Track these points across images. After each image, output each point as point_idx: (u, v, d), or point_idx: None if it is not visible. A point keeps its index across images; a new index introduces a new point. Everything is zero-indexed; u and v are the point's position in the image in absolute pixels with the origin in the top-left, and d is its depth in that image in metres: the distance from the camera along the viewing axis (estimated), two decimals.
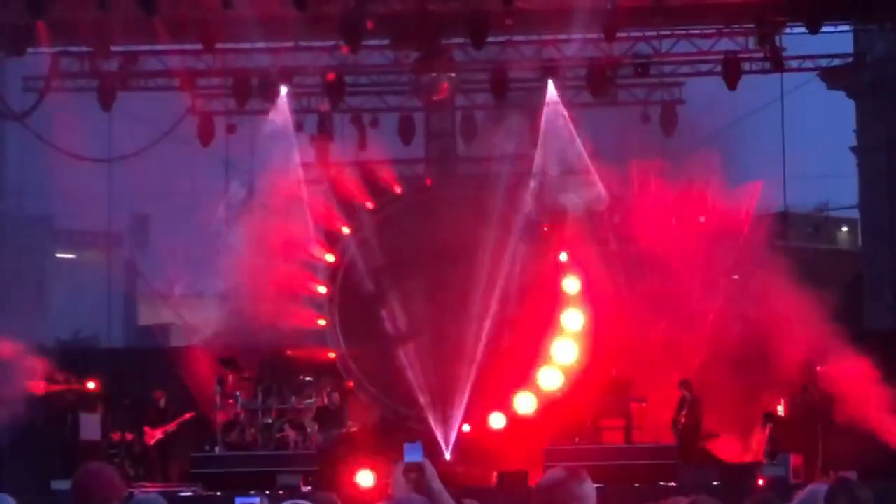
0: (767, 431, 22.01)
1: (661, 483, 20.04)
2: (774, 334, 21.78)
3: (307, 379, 23.17)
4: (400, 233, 24.21)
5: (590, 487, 5.67)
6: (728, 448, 22.72)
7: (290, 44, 24.91)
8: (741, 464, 21.72)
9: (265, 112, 25.28)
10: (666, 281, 23.17)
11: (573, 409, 22.74)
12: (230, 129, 25.92)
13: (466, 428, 23.31)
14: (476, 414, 23.39)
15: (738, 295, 23.11)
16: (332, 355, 24.23)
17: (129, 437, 22.78)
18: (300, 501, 7.69)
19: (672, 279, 23.13)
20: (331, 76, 24.82)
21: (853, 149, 30.15)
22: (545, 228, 24.33)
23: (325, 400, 22.76)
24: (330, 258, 24.86)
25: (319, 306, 24.78)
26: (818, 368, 21.91)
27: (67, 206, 26.67)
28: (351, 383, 23.98)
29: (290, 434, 22.20)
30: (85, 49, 24.75)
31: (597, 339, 23.35)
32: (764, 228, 23.85)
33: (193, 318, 27.14)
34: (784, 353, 21.91)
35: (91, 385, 22.72)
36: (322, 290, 24.74)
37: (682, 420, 22.18)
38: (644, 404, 22.52)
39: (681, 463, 21.19)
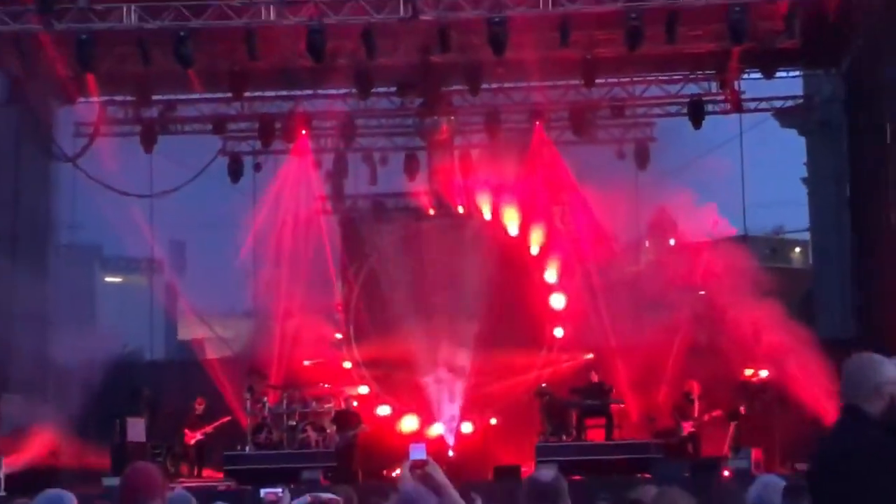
0: (732, 428, 21.97)
1: (638, 475, 20.01)
2: (737, 341, 21.86)
3: (326, 386, 23.20)
4: (407, 259, 24.13)
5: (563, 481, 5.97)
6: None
7: (308, 91, 25.08)
8: (709, 458, 21.67)
9: (287, 152, 25.42)
10: (640, 296, 23.27)
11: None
12: (257, 167, 26.03)
13: (467, 427, 23.33)
14: (475, 415, 23.43)
15: (704, 307, 23.14)
16: (347, 364, 24.24)
17: (170, 438, 22.86)
18: (320, 494, 7.72)
19: (646, 295, 23.23)
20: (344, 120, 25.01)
21: (804, 179, 30.25)
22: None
23: (342, 404, 22.79)
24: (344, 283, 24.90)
25: (336, 321, 24.82)
26: (775, 370, 21.93)
27: (114, 237, 26.74)
28: (366, 389, 24.00)
29: (312, 435, 22.20)
30: (129, 98, 24.93)
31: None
32: (727, 250, 23.88)
33: (226, 333, 27.15)
34: (745, 357, 22.01)
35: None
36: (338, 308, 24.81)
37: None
38: (622, 406, 22.52)
39: (655, 458, 21.11)
